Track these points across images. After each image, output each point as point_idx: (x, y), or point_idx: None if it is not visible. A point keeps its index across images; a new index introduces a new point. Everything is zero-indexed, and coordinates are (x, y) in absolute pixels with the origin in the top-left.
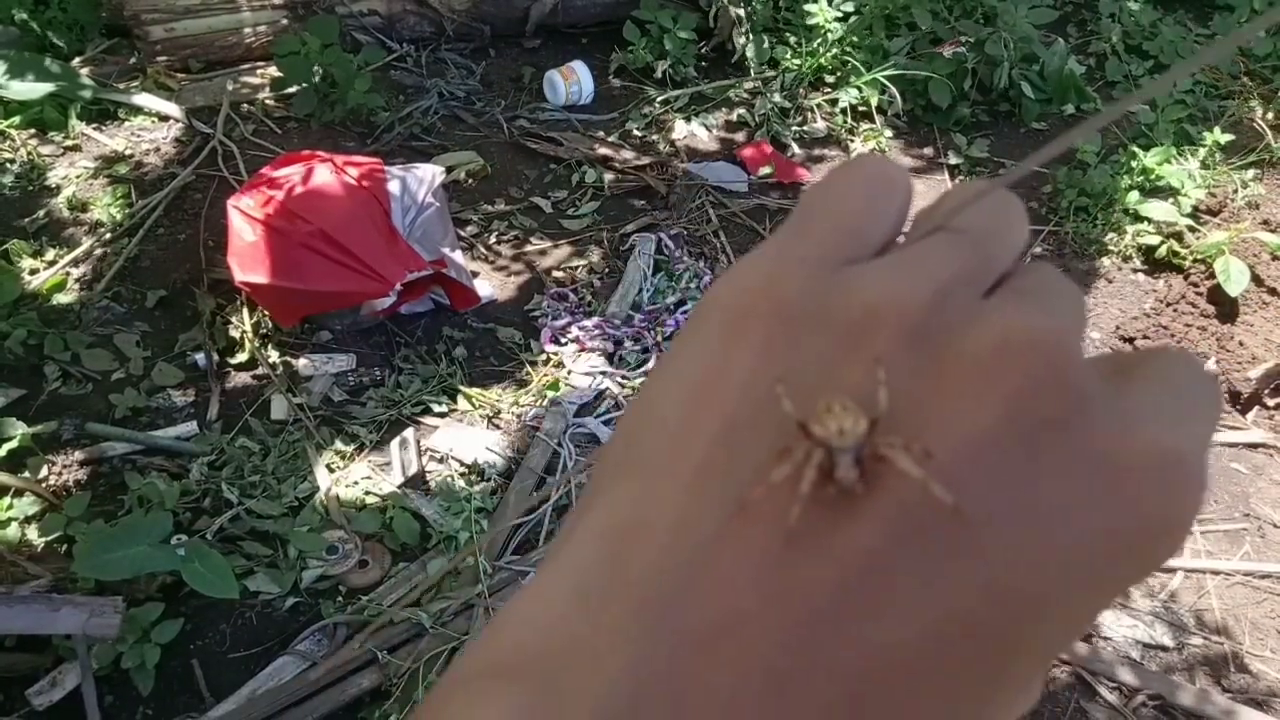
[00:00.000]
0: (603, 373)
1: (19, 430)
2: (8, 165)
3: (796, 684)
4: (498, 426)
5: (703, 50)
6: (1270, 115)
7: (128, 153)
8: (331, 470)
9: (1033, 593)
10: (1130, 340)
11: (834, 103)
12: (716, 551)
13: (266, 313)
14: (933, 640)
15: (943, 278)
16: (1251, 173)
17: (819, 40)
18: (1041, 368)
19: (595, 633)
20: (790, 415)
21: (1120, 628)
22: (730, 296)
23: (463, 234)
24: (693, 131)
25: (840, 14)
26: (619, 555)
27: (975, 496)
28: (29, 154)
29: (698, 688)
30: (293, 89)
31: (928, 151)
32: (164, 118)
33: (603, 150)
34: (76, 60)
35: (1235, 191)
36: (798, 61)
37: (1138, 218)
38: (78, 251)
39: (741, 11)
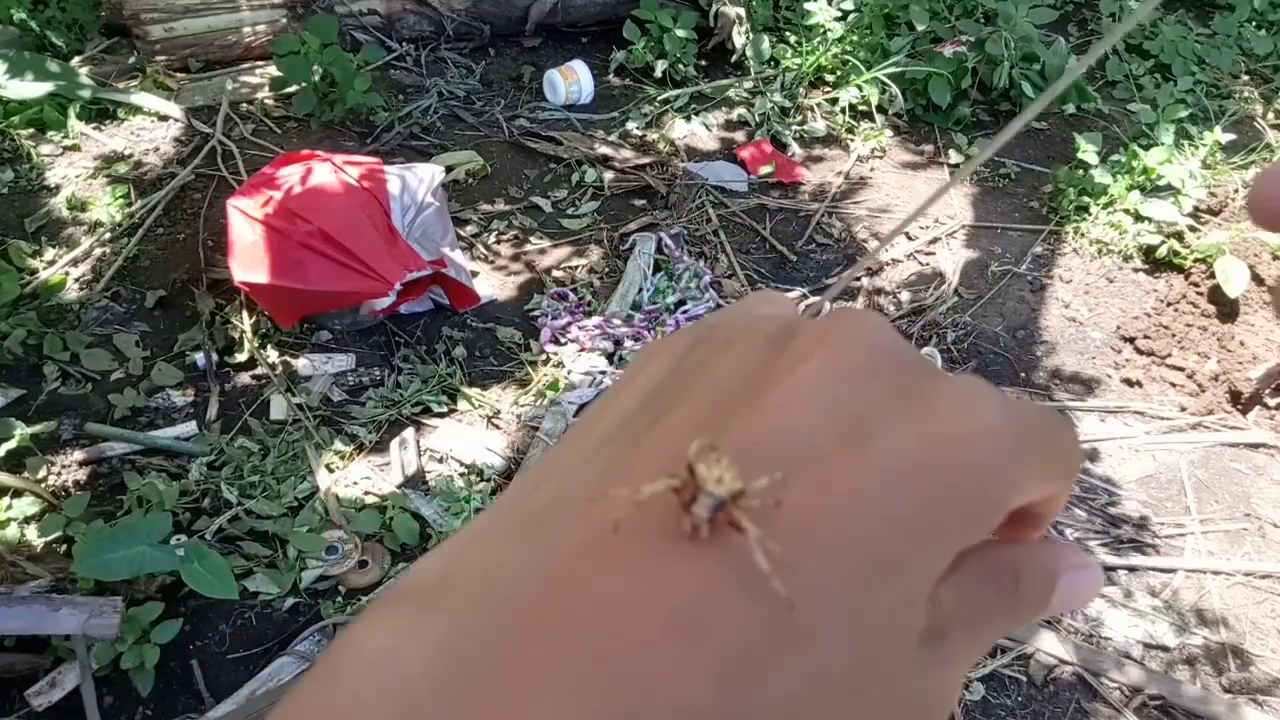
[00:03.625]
0: (602, 373)
1: (19, 430)
2: (8, 165)
3: (591, 690)
4: (497, 426)
5: (703, 50)
6: (1270, 115)
7: (127, 152)
8: (331, 470)
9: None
10: (1131, 340)
11: (834, 102)
12: (568, 542)
13: (266, 313)
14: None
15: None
16: (1252, 173)
17: (819, 39)
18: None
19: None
20: (687, 450)
21: (1121, 627)
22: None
23: (463, 234)
24: (692, 131)
25: (840, 13)
26: (499, 527)
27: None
28: (28, 154)
29: (507, 662)
30: (292, 89)
31: (928, 150)
32: (163, 117)
33: (603, 150)
34: (76, 60)
35: (1235, 191)
36: (798, 61)
37: (1138, 217)
38: (77, 251)
39: (741, 11)
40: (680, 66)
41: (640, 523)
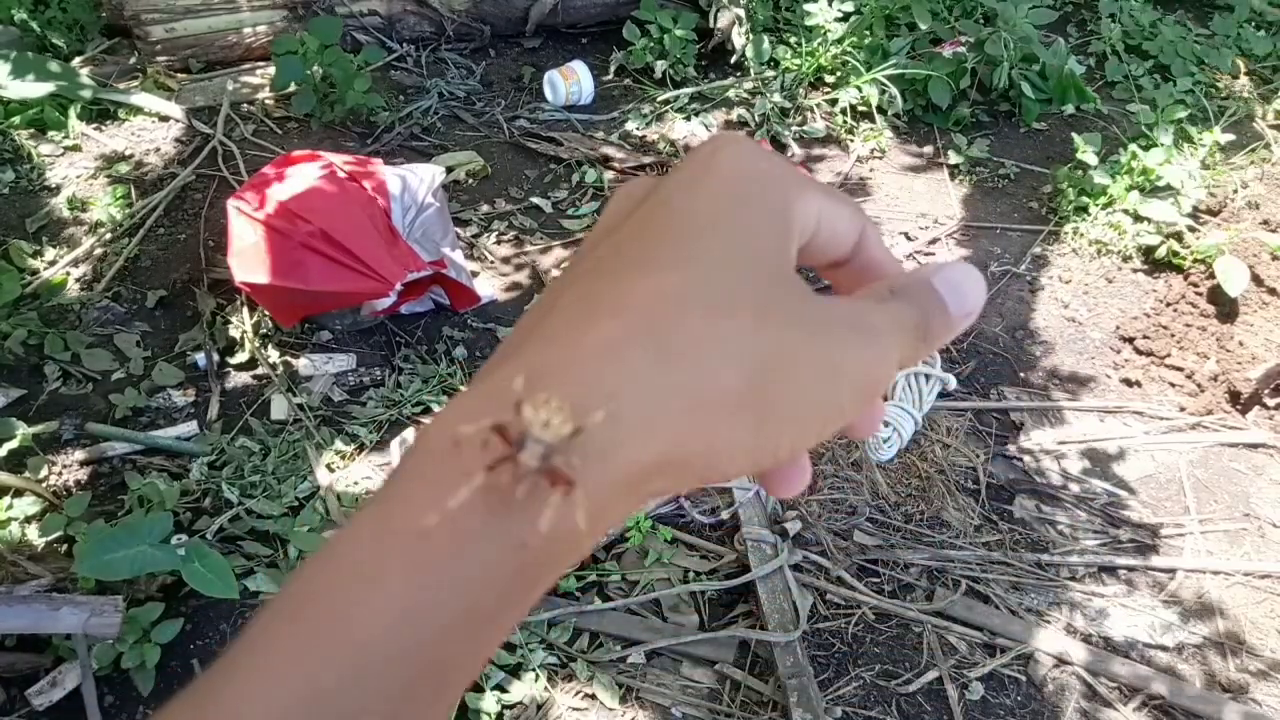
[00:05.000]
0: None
1: (19, 430)
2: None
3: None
4: None
5: (702, 50)
6: (1270, 115)
7: (128, 153)
8: (332, 470)
9: None
10: (1130, 340)
11: (834, 102)
12: (423, 470)
13: (266, 313)
14: None
15: None
16: (1251, 173)
17: (819, 40)
18: None
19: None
20: (516, 391)
21: (1120, 627)
22: None
23: (463, 234)
24: (693, 131)
25: (840, 14)
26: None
27: None
28: (29, 154)
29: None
30: (293, 89)
31: (928, 151)
32: (164, 118)
33: (603, 150)
34: (76, 60)
35: (1235, 191)
36: (797, 61)
37: (1138, 218)
38: (78, 251)
39: (741, 11)
40: (680, 67)
41: (455, 466)
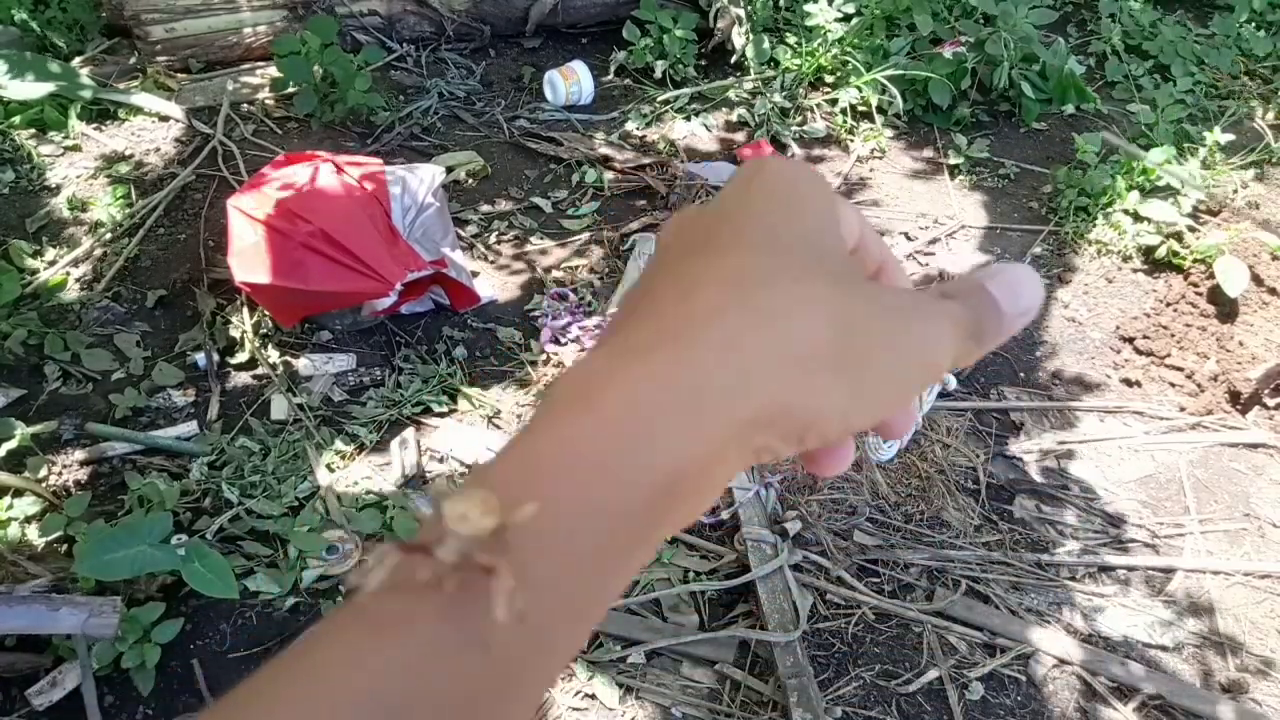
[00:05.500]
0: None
1: (20, 430)
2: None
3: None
4: (498, 426)
5: (702, 50)
6: (1270, 115)
7: (128, 153)
8: (331, 470)
9: None
10: (1130, 340)
11: (834, 103)
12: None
13: (267, 313)
14: None
15: None
16: (1251, 173)
17: (819, 40)
18: None
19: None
20: (432, 494)
21: (1120, 627)
22: None
23: (463, 234)
24: (693, 131)
25: (840, 14)
26: None
27: None
28: (29, 154)
29: None
30: (293, 89)
31: (928, 152)
32: (164, 118)
33: (603, 150)
34: (76, 60)
35: (1235, 191)
36: (798, 61)
37: (1138, 218)
38: (78, 251)
39: (741, 11)
40: (680, 67)
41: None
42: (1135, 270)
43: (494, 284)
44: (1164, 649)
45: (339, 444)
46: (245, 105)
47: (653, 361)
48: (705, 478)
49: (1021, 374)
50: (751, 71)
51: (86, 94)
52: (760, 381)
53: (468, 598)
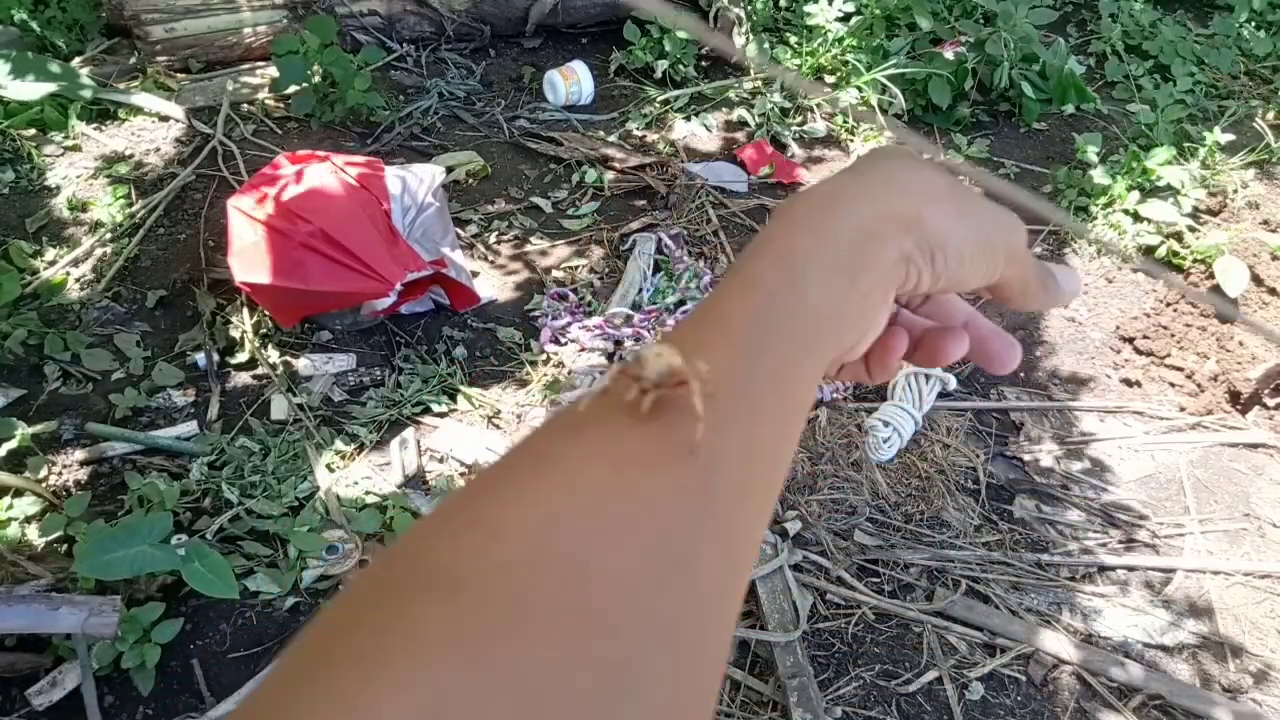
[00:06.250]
0: (601, 372)
1: (20, 430)
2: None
3: None
4: (498, 426)
5: (702, 50)
6: (1270, 115)
7: (128, 153)
8: (331, 470)
9: None
10: (1130, 340)
11: (834, 102)
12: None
13: (267, 313)
14: None
15: None
16: (1251, 173)
17: (819, 40)
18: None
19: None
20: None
21: (1120, 627)
22: None
23: (463, 234)
24: (693, 131)
25: (840, 14)
26: None
27: None
28: (29, 154)
29: None
30: (293, 89)
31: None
32: (164, 118)
33: (603, 150)
34: (76, 60)
35: (1235, 191)
36: (798, 61)
37: (1138, 218)
38: (78, 251)
39: (741, 11)
40: (680, 67)
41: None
42: (1135, 270)
43: (494, 284)
44: (1164, 649)
45: (339, 444)
46: (245, 105)
47: (816, 192)
48: (867, 271)
49: (1021, 374)
50: (751, 71)
51: (86, 94)
52: (901, 195)
53: (669, 414)
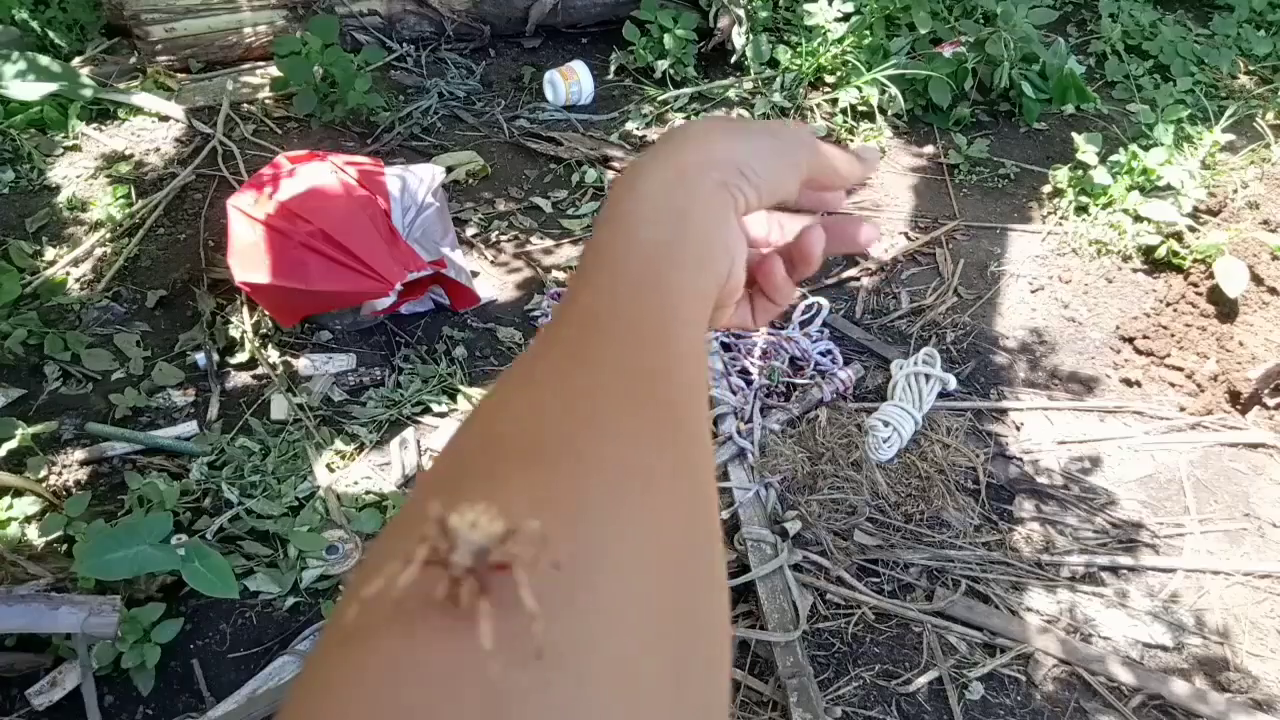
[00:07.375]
0: None
1: (20, 430)
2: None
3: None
4: None
5: (702, 50)
6: (1270, 115)
7: (128, 153)
8: (331, 470)
9: None
10: (1130, 340)
11: (834, 102)
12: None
13: (267, 312)
14: None
15: None
16: (1251, 173)
17: (819, 40)
18: None
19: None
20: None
21: (1120, 627)
22: None
23: (463, 234)
24: None
25: (840, 14)
26: None
27: None
28: (29, 154)
29: None
30: (293, 89)
31: (928, 151)
32: (164, 118)
33: (603, 150)
34: (76, 60)
35: (1235, 191)
36: (798, 61)
37: (1137, 218)
38: (78, 251)
39: (741, 11)
40: (680, 67)
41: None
42: (1135, 270)
43: (494, 284)
44: (1164, 649)
45: (339, 444)
46: (245, 105)
47: (627, 169)
48: (694, 205)
49: (1021, 374)
50: (751, 71)
51: (87, 94)
52: (694, 143)
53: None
